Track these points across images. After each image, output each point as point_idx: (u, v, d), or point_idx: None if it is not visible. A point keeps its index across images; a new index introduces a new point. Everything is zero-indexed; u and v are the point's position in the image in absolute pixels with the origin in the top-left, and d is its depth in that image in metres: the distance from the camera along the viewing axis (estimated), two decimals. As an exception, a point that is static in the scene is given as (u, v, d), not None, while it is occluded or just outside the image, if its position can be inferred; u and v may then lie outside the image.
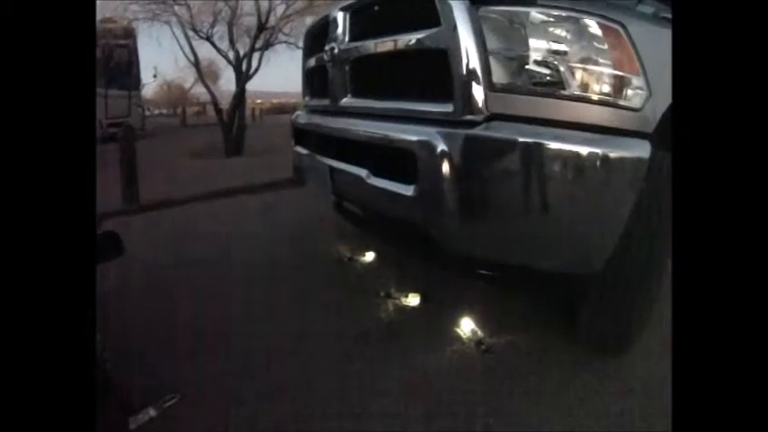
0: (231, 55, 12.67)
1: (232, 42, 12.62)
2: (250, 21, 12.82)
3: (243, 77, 12.42)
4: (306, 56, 3.61)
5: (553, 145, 1.80)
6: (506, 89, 1.89)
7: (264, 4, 11.98)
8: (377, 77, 2.52)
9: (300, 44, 3.94)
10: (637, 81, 1.91)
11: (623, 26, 1.89)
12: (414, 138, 2.02)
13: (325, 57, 2.83)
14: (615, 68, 1.89)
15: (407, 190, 2.05)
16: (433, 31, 2.03)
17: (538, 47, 1.87)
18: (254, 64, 12.70)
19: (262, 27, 12.04)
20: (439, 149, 1.89)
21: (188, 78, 30.55)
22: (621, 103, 1.90)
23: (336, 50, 2.71)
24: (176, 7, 11.98)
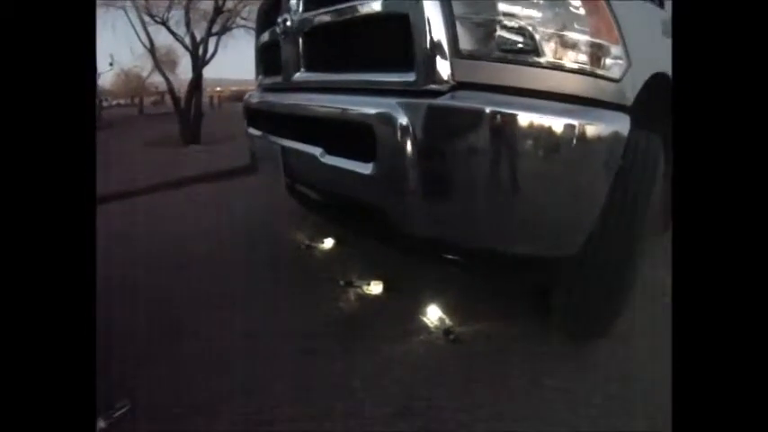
0: (188, 40, 12.47)
1: (189, 27, 12.42)
2: (207, 5, 12.67)
3: (199, 63, 12.25)
4: (258, 32, 3.42)
5: (525, 115, 1.64)
6: (474, 56, 1.72)
7: (222, -13, 11.83)
8: (332, 49, 2.35)
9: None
10: (616, 50, 1.80)
11: (602, -10, 1.76)
12: (371, 110, 1.86)
13: (278, 30, 2.64)
14: (593, 36, 1.75)
15: (365, 168, 1.89)
16: None
17: (508, 11, 1.70)
18: (211, 49, 12.56)
19: (219, 10, 11.89)
20: (399, 122, 1.73)
21: (146, 67, 30.20)
22: (599, 72, 1.77)
23: (289, 22, 2.52)
24: (131, -9, 11.81)
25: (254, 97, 3.24)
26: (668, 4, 2.48)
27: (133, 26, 12.63)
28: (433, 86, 1.74)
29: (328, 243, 3.62)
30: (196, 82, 12.19)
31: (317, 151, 2.17)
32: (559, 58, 1.72)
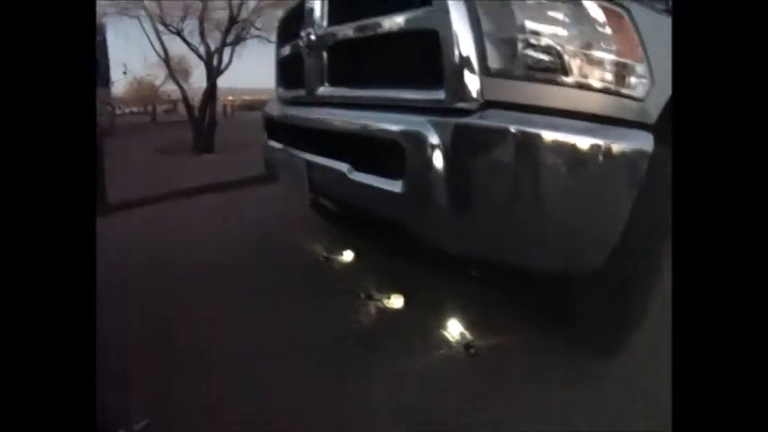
0: (202, 50, 12.53)
1: (203, 36, 12.46)
2: (221, 15, 12.69)
3: (214, 72, 12.28)
4: (279, 44, 3.45)
5: (551, 135, 1.67)
6: (502, 74, 1.74)
7: (236, -3, 11.85)
8: (357, 64, 2.36)
9: (273, 38, 3.80)
10: (640, 69, 1.81)
11: (627, 10, 1.78)
12: (401, 128, 1.88)
13: (301, 43, 2.66)
14: (618, 55, 1.77)
15: (394, 186, 1.91)
16: (422, 10, 1.89)
17: (535, 29, 1.73)
18: (226, 59, 12.59)
19: (233, 21, 11.92)
20: (429, 140, 1.75)
21: (158, 75, 30.26)
22: (624, 91, 1.79)
23: (313, 36, 2.54)
24: (146, 2, 11.85)
25: (275, 110, 3.25)
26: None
27: (147, 35, 12.70)
28: (463, 105, 1.76)
29: (347, 255, 3.60)
30: (210, 91, 12.23)
31: (344, 167, 2.18)
32: (585, 78, 1.74)
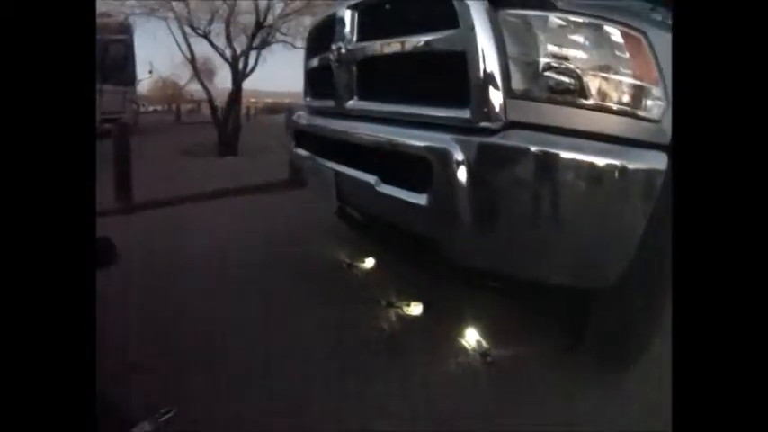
0: (228, 53, 12.58)
1: (229, 40, 12.52)
2: (248, 19, 12.74)
3: (239, 76, 12.35)
4: (309, 55, 3.52)
5: (571, 155, 1.75)
6: (525, 96, 1.83)
7: (263, 3, 11.90)
8: (386, 80, 2.44)
9: (298, 44, 3.87)
10: (656, 91, 1.86)
11: (645, 34, 1.84)
12: (428, 144, 1.96)
13: (331, 57, 2.75)
14: (635, 78, 1.83)
15: (420, 199, 1.98)
16: (450, 32, 1.97)
17: (557, 53, 1.81)
18: (251, 63, 12.65)
19: (259, 25, 11.97)
20: (455, 157, 1.83)
21: (183, 75, 30.54)
22: (640, 113, 1.85)
23: (343, 50, 2.63)
24: (174, 3, 11.91)
25: (303, 118, 3.33)
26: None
27: (174, 37, 12.79)
28: (487, 124, 1.84)
29: (369, 263, 3.64)
30: (235, 94, 12.31)
31: (371, 179, 2.25)
32: (603, 100, 1.81)
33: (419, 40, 2.14)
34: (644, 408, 2.06)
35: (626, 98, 1.84)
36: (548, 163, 1.75)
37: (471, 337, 2.53)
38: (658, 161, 1.84)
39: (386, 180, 2.21)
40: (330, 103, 2.90)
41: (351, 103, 2.67)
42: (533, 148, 1.75)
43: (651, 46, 1.85)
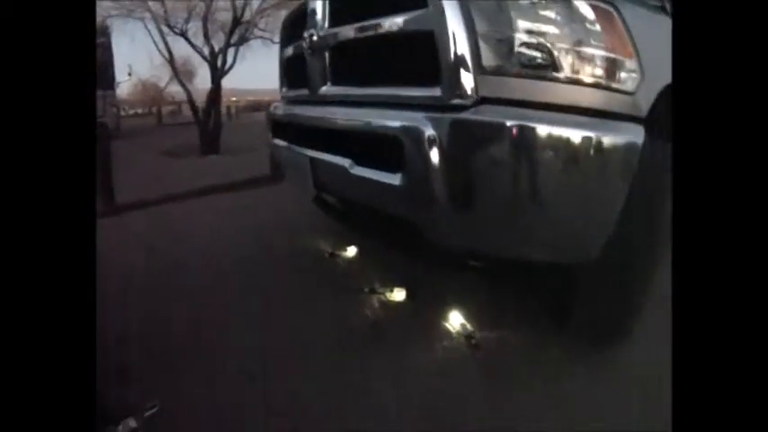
0: (206, 51, 12.54)
1: (207, 38, 12.48)
2: (225, 16, 12.72)
3: (218, 73, 12.30)
4: (283, 46, 3.51)
5: (545, 129, 1.72)
6: (496, 72, 1.81)
7: (240, -1, 11.89)
8: (358, 64, 2.43)
9: (276, 39, 3.84)
10: (630, 64, 1.87)
11: (616, 8, 1.85)
12: (399, 124, 1.94)
13: (304, 44, 2.73)
14: (608, 51, 1.83)
15: (393, 179, 1.96)
16: (419, 12, 1.95)
17: (527, 28, 1.79)
18: (230, 60, 12.62)
19: (237, 22, 11.95)
20: (426, 135, 1.81)
21: (163, 77, 30.41)
22: (615, 86, 1.85)
23: (315, 37, 2.61)
24: (150, 3, 11.88)
25: (279, 109, 3.31)
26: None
27: (152, 37, 12.74)
28: (458, 101, 1.82)
29: (351, 251, 3.66)
30: (215, 92, 12.26)
31: (346, 162, 2.24)
32: (576, 73, 1.80)
33: (389, 22, 2.12)
34: (631, 385, 2.08)
35: (599, 71, 1.83)
36: (520, 136, 1.73)
37: (456, 321, 2.54)
38: (635, 133, 1.85)
39: (360, 162, 2.20)
40: (305, 92, 2.88)
41: (324, 89, 2.65)
42: (505, 122, 1.73)
43: (623, 19, 1.85)
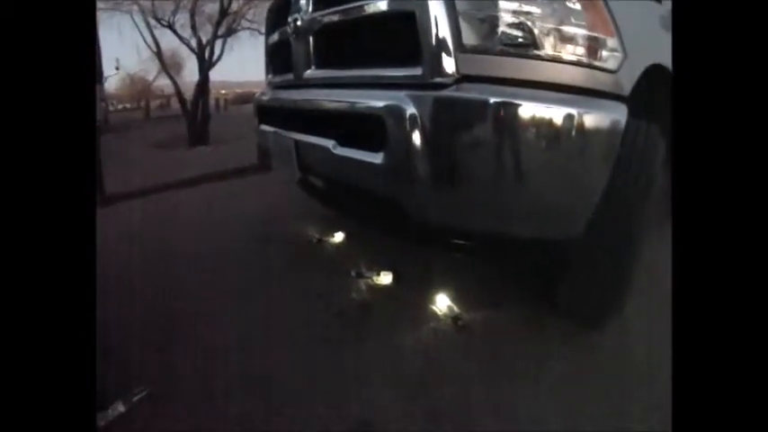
0: (194, 43, 12.53)
1: (194, 29, 12.46)
2: (212, 8, 12.69)
3: (206, 65, 12.30)
4: (268, 32, 3.50)
5: (526, 105, 1.73)
6: (477, 50, 1.81)
7: (227, -10, 11.86)
8: (341, 47, 2.43)
9: (263, 30, 3.84)
10: (611, 43, 1.88)
11: (598, -13, 1.84)
12: (381, 103, 1.94)
13: (288, 30, 2.73)
14: (589, 30, 1.84)
15: (376, 158, 1.97)
16: None
17: (508, 8, 1.79)
18: (217, 52, 12.61)
19: (224, 13, 11.93)
20: (408, 113, 1.82)
21: (151, 71, 30.30)
22: (596, 63, 1.86)
23: (299, 22, 2.61)
24: (137, -5, 11.86)
25: (266, 95, 3.32)
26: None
27: (139, 30, 12.71)
28: (439, 80, 1.82)
29: (338, 237, 3.68)
30: (202, 84, 12.24)
31: (329, 143, 2.24)
32: (558, 52, 1.81)
33: (371, 5, 2.12)
34: (618, 365, 2.10)
35: (581, 50, 1.84)
36: (500, 112, 1.73)
37: (443, 303, 2.55)
38: (618, 111, 1.87)
39: (343, 143, 2.21)
40: (290, 77, 2.88)
41: (309, 73, 2.65)
42: (488, 99, 1.73)
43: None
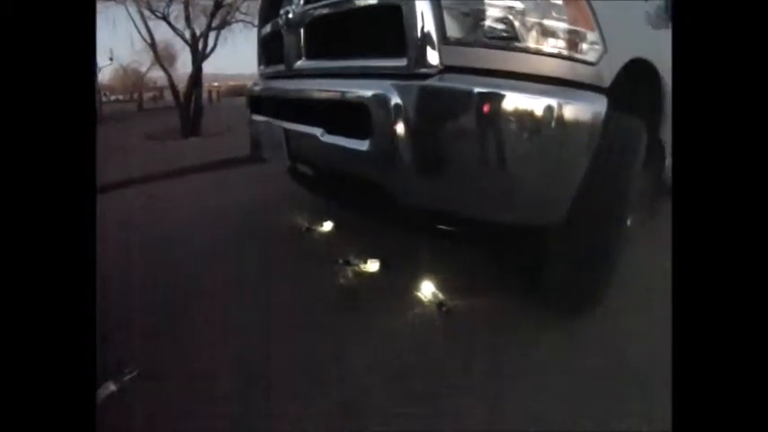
0: (187, 34, 12.49)
1: (188, 21, 12.43)
2: (206, 0, 12.67)
3: (199, 57, 12.27)
4: (261, 24, 3.56)
5: (509, 95, 1.78)
6: (460, 42, 1.87)
7: (222, -18, 11.85)
8: (331, 38, 2.48)
9: (257, 22, 3.88)
10: (592, 36, 1.93)
11: (578, -18, 1.90)
12: (367, 92, 2.01)
13: (280, 22, 2.78)
14: (570, 23, 1.89)
15: (362, 145, 2.04)
16: None
17: (494, 3, 1.85)
18: (211, 43, 12.60)
19: (218, 5, 11.91)
20: (392, 102, 1.89)
21: (144, 62, 30.11)
22: (577, 56, 1.91)
23: (291, 14, 2.66)
24: (133, -14, 11.83)
25: (258, 85, 3.38)
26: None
27: (133, 21, 12.68)
28: (423, 70, 1.89)
29: (327, 226, 3.72)
30: (196, 76, 12.23)
31: (317, 131, 2.30)
32: (539, 44, 1.86)
33: (361, -1, 2.18)
34: (601, 350, 2.15)
35: (561, 42, 1.89)
36: (482, 102, 1.78)
37: (428, 290, 2.60)
38: (597, 103, 1.92)
39: (331, 131, 2.27)
40: (281, 67, 2.93)
41: (299, 64, 2.71)
42: (472, 89, 1.79)
43: None
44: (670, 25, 2.66)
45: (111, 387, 1.95)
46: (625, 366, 2.02)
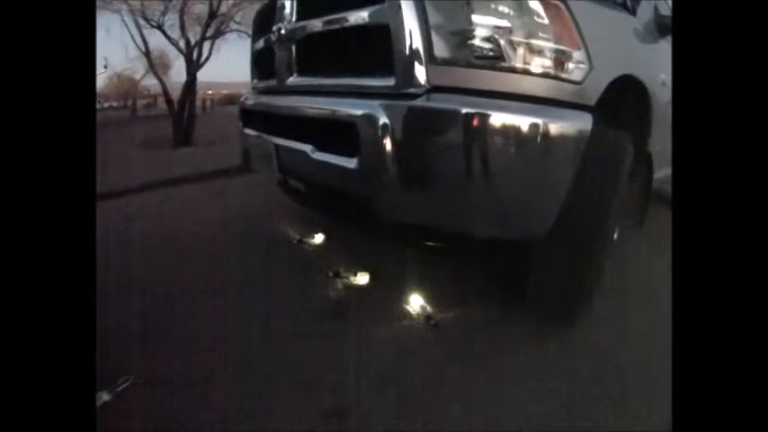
0: (182, 44, 12.53)
1: (183, 30, 12.46)
2: (201, 9, 12.70)
3: (193, 66, 12.29)
4: (254, 39, 3.60)
5: (494, 114, 1.82)
6: (447, 62, 1.91)
7: (216, -8, 11.88)
8: (322, 55, 2.52)
9: (251, 32, 3.91)
10: (578, 55, 1.98)
11: (564, 1, 1.95)
12: (356, 111, 2.05)
13: (273, 37, 2.83)
14: (556, 43, 1.93)
15: (350, 163, 2.07)
16: (377, 7, 2.06)
17: (479, 22, 1.88)
18: (205, 53, 12.61)
19: (213, 15, 11.94)
20: (380, 122, 1.92)
21: (138, 70, 30.06)
22: (563, 76, 1.95)
23: (283, 31, 2.70)
24: (128, -5, 11.85)
25: (250, 99, 3.41)
26: (645, 10, 2.66)
27: (128, 29, 12.69)
28: (411, 90, 1.92)
29: (318, 238, 3.72)
30: (190, 85, 12.25)
31: (307, 148, 2.34)
32: (526, 63, 1.90)
33: (350, 17, 2.22)
34: (589, 356, 2.18)
35: (547, 62, 1.93)
36: (469, 121, 1.81)
37: (416, 303, 2.61)
38: (582, 121, 1.96)
39: (320, 148, 2.30)
40: (273, 82, 2.97)
41: (291, 80, 2.75)
42: (456, 108, 1.83)
43: (570, 12, 1.96)
44: (659, 39, 2.72)
45: (105, 397, 1.95)
46: (612, 372, 2.05)
